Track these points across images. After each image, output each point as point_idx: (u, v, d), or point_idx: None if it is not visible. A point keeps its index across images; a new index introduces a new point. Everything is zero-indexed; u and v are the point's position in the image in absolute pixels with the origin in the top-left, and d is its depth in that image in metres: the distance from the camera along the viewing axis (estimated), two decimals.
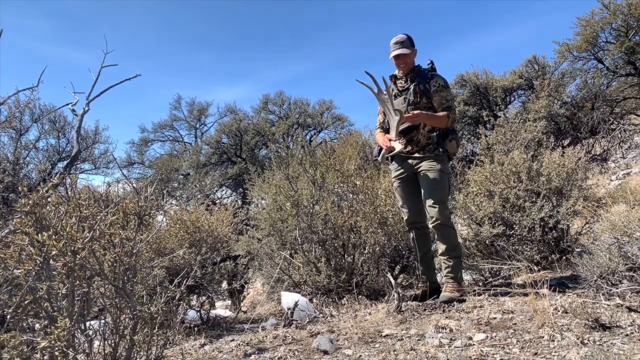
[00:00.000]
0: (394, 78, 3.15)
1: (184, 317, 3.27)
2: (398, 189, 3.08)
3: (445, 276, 2.84)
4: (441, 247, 2.85)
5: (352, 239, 3.35)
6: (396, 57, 3.00)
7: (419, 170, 2.95)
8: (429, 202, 2.85)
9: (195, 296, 3.45)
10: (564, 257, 3.28)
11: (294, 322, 2.60)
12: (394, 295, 2.70)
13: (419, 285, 3.10)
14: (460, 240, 4.17)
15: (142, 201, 1.52)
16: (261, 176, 6.48)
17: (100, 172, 9.79)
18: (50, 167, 8.18)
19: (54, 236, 1.26)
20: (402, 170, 3.05)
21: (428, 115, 2.89)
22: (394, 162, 3.13)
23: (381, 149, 2.98)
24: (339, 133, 17.12)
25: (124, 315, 1.42)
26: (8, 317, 1.26)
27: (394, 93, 3.07)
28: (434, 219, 2.82)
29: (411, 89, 3.00)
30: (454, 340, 1.97)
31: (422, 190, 2.92)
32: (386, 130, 3.12)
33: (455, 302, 2.64)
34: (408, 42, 3.02)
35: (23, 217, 1.29)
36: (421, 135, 2.98)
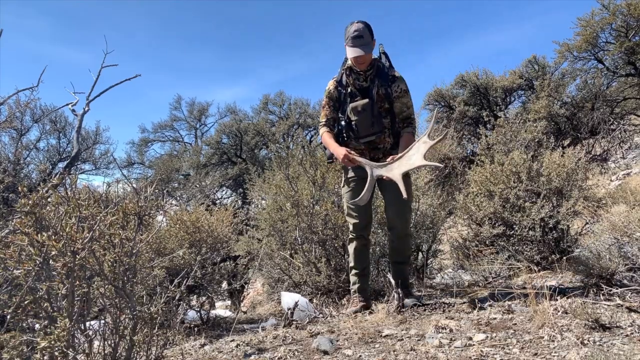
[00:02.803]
0: (349, 71, 2.72)
1: (184, 317, 3.27)
2: (349, 193, 2.77)
3: (402, 283, 2.70)
4: (401, 256, 2.79)
5: None
6: (355, 58, 2.60)
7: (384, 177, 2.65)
8: (399, 211, 2.67)
9: (195, 296, 3.45)
10: (564, 258, 3.28)
11: (294, 322, 2.60)
12: (393, 296, 2.70)
13: (355, 299, 2.82)
14: (460, 240, 4.18)
15: (142, 201, 1.52)
16: (261, 176, 6.48)
17: (101, 173, 9.81)
18: (50, 167, 8.18)
19: (53, 236, 1.27)
20: (361, 174, 2.72)
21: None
22: (349, 174, 2.85)
23: (332, 155, 2.72)
24: None
25: (124, 316, 1.42)
26: (8, 317, 1.26)
27: (350, 90, 2.72)
28: (401, 229, 2.71)
29: (374, 93, 2.68)
30: (454, 340, 1.97)
31: (388, 198, 2.72)
32: (339, 135, 2.78)
33: (420, 304, 2.62)
34: (369, 36, 2.59)
35: (23, 217, 1.29)
36: (386, 143, 2.74)
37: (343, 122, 2.75)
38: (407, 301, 2.63)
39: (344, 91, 2.75)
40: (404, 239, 2.76)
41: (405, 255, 2.86)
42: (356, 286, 2.84)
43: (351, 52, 2.58)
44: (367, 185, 2.45)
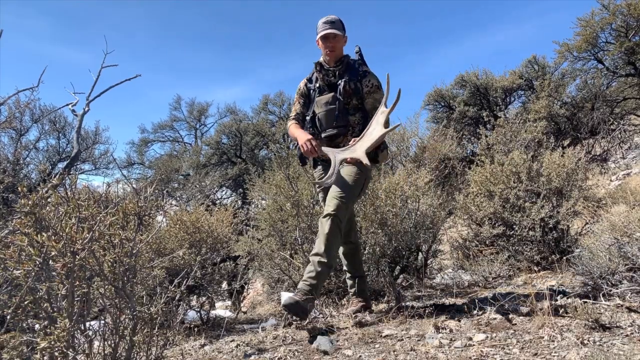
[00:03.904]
0: (319, 66, 2.68)
1: (184, 317, 3.27)
2: (322, 198, 2.73)
3: (303, 280, 2.34)
4: (320, 246, 2.36)
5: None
6: (325, 37, 2.58)
7: (347, 159, 2.50)
8: (334, 187, 2.44)
9: (195, 296, 3.45)
10: (564, 258, 3.28)
11: (293, 322, 2.59)
12: (394, 296, 2.70)
13: (354, 300, 2.74)
14: (460, 240, 4.18)
15: (141, 202, 1.52)
16: (261, 176, 6.48)
17: (100, 173, 9.81)
18: (50, 167, 8.18)
19: (53, 237, 1.26)
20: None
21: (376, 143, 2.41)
22: (317, 169, 2.78)
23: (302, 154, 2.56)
24: None
25: (124, 316, 1.42)
26: (8, 317, 1.26)
27: (318, 85, 2.68)
28: (330, 208, 2.37)
29: (340, 87, 2.60)
30: (454, 340, 1.97)
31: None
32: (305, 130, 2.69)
33: (298, 317, 2.28)
34: (340, 24, 2.64)
35: (23, 217, 1.29)
36: (349, 142, 2.54)
37: (308, 117, 2.70)
38: (286, 297, 2.27)
39: (313, 87, 2.73)
40: (326, 223, 2.35)
41: (324, 248, 2.36)
42: (354, 289, 2.76)
43: (320, 33, 2.58)
44: (331, 169, 2.33)
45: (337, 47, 2.63)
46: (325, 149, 2.45)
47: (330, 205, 2.40)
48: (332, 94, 2.62)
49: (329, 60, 2.66)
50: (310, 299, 2.26)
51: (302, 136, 2.52)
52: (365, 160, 2.26)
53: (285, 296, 2.25)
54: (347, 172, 2.48)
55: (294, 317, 2.36)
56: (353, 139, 2.44)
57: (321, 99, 2.65)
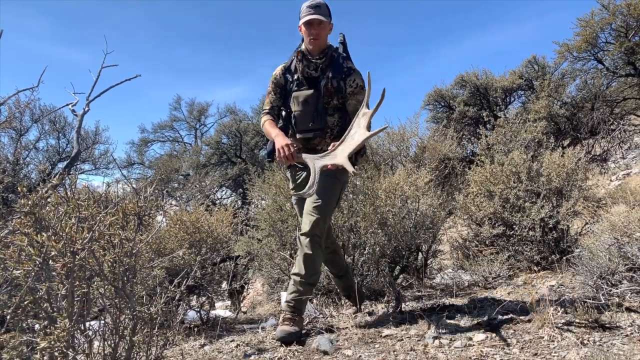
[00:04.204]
0: (301, 55, 2.40)
1: (184, 317, 3.27)
2: (298, 202, 2.52)
3: (288, 304, 2.25)
4: (302, 267, 2.27)
5: (352, 240, 3.34)
6: (309, 23, 2.31)
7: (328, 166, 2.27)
8: (310, 203, 2.29)
9: (195, 296, 3.45)
10: (564, 258, 3.28)
11: None
12: (393, 296, 2.70)
13: (347, 304, 2.72)
14: (460, 240, 4.18)
15: (141, 202, 1.52)
16: (261, 176, 6.48)
17: (100, 173, 9.81)
18: (50, 167, 8.18)
19: (53, 237, 1.26)
20: (300, 182, 2.51)
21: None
22: (291, 171, 2.59)
23: (273, 150, 2.32)
24: None
25: (124, 316, 1.42)
26: (8, 317, 1.26)
27: (297, 78, 2.41)
28: (307, 226, 2.25)
29: (322, 84, 2.37)
30: (454, 340, 1.97)
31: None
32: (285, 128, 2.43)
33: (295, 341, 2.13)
34: (326, 9, 2.38)
35: (22, 217, 1.29)
36: (326, 145, 2.34)
37: (284, 113, 2.46)
38: (280, 331, 2.17)
39: (291, 78, 2.45)
40: (313, 249, 2.26)
41: (308, 272, 2.29)
42: (341, 287, 2.72)
43: (304, 18, 2.31)
44: (311, 179, 2.06)
45: (321, 35, 2.36)
46: (304, 156, 2.19)
47: (307, 224, 2.26)
48: (312, 91, 2.37)
49: (312, 49, 2.39)
50: (299, 319, 2.25)
51: (279, 140, 2.24)
52: (350, 168, 2.04)
53: (279, 332, 2.15)
54: (323, 183, 2.24)
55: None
56: (332, 144, 2.20)
57: (299, 95, 2.38)
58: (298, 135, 2.41)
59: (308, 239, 2.26)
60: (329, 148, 2.20)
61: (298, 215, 2.53)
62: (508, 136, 6.06)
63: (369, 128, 2.14)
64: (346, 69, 2.40)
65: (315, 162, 2.15)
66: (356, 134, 2.15)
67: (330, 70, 2.39)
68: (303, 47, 2.43)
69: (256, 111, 18.78)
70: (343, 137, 2.19)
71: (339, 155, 2.13)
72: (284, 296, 2.98)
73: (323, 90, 2.38)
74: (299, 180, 2.52)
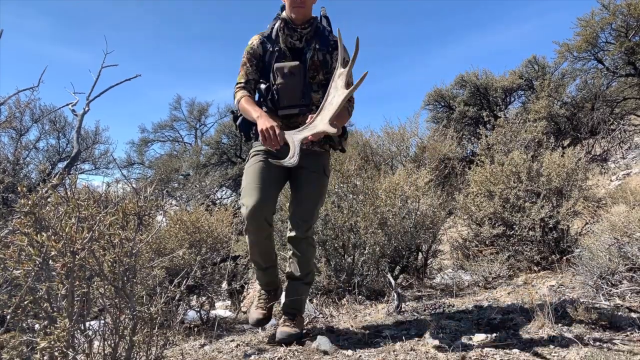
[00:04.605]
0: (282, 23, 2.14)
1: (184, 317, 3.27)
2: (258, 165, 2.14)
3: (288, 305, 2.19)
4: (297, 268, 2.19)
5: (352, 240, 3.34)
6: None
7: (301, 165, 2.01)
8: (306, 208, 2.14)
9: (195, 296, 3.45)
10: (564, 258, 3.28)
11: None
12: (393, 296, 2.70)
13: (261, 304, 2.31)
14: (460, 240, 4.18)
15: (141, 201, 1.52)
16: None
17: (100, 173, 9.82)
18: (50, 167, 8.18)
19: (53, 237, 1.26)
20: (275, 152, 2.09)
21: (341, 119, 2.03)
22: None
23: (249, 127, 2.18)
24: None
25: (124, 316, 1.42)
26: (8, 317, 1.26)
27: (279, 49, 2.15)
28: (302, 230, 2.12)
29: (308, 55, 2.13)
30: (454, 340, 1.97)
31: (299, 191, 2.19)
32: (270, 107, 2.15)
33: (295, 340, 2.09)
34: None
35: (22, 217, 1.29)
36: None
37: (263, 86, 2.16)
38: (280, 332, 2.10)
39: (271, 48, 2.16)
40: (303, 244, 2.18)
41: (305, 270, 2.21)
42: (260, 280, 2.35)
43: None
44: (291, 151, 1.83)
45: (307, 3, 2.11)
46: (286, 134, 1.93)
47: (302, 228, 2.12)
48: (297, 62, 2.11)
49: (296, 18, 2.12)
50: (299, 319, 2.20)
51: (263, 121, 1.94)
52: (332, 130, 1.82)
53: (279, 333, 2.10)
54: (317, 180, 2.16)
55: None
56: (310, 116, 1.96)
57: (282, 67, 2.10)
58: (280, 112, 2.14)
59: (307, 243, 2.18)
60: (307, 121, 1.94)
61: (256, 181, 2.11)
62: (508, 136, 6.06)
63: (348, 86, 1.90)
64: (333, 42, 2.17)
65: (294, 137, 1.91)
66: (334, 97, 1.92)
67: (316, 41, 2.15)
68: (284, 14, 2.16)
69: None
70: (320, 106, 1.95)
71: (320, 124, 1.89)
72: (284, 296, 2.98)
73: (309, 63, 2.14)
74: (261, 156, 2.19)
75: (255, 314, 2.29)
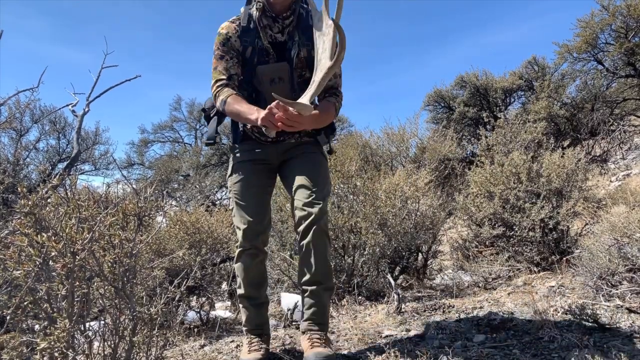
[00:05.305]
0: (260, 12, 1.79)
1: (184, 318, 3.27)
2: (242, 182, 1.87)
3: (312, 320, 1.79)
4: (311, 271, 1.75)
5: (352, 240, 3.34)
6: None
7: (291, 155, 1.85)
8: (310, 192, 1.75)
9: (195, 297, 3.45)
10: (564, 258, 3.28)
11: (293, 323, 2.60)
12: (393, 297, 2.70)
13: (255, 343, 1.88)
14: (460, 241, 4.18)
15: (141, 202, 1.52)
16: None
17: (100, 173, 9.83)
18: (50, 168, 8.18)
19: (53, 237, 1.26)
20: (260, 157, 1.91)
21: (316, 119, 1.70)
22: (245, 143, 1.95)
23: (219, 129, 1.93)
24: (339, 134, 17.15)
25: (124, 317, 1.42)
26: (8, 318, 1.26)
27: (260, 45, 1.82)
28: (314, 218, 1.70)
29: (293, 54, 1.82)
30: (454, 341, 1.97)
31: (296, 177, 1.82)
32: (252, 98, 1.85)
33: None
34: None
35: (22, 218, 1.29)
36: (298, 134, 1.91)
37: (245, 92, 1.86)
38: (315, 354, 1.67)
39: (251, 45, 1.82)
40: (318, 237, 1.73)
41: (322, 272, 1.78)
42: (250, 323, 1.94)
43: None
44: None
45: None
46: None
47: (315, 212, 1.71)
48: (283, 63, 1.81)
49: (276, 3, 1.76)
50: (327, 337, 1.82)
51: (260, 113, 1.61)
52: (305, 100, 1.53)
53: (312, 355, 1.68)
54: (316, 159, 1.87)
55: None
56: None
57: (266, 71, 1.79)
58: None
59: (322, 228, 1.77)
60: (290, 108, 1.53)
61: (241, 199, 1.87)
62: (508, 137, 6.06)
63: (332, 56, 1.56)
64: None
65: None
66: (316, 75, 1.59)
67: (298, 33, 1.82)
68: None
69: None
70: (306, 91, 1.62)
71: (307, 94, 1.58)
72: (285, 297, 2.98)
73: (295, 62, 1.82)
74: (251, 157, 1.93)
75: (251, 355, 1.82)
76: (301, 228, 1.74)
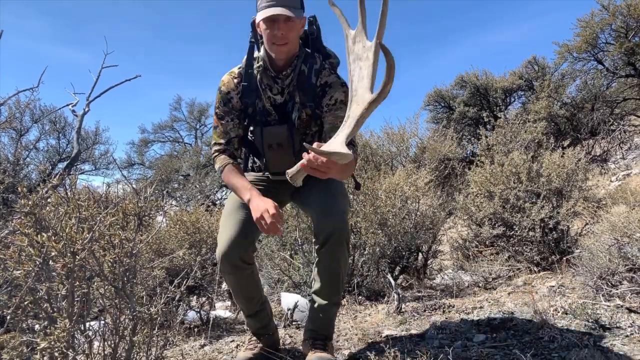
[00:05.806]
0: (262, 72, 1.75)
1: (184, 317, 3.27)
2: (241, 209, 1.75)
3: (315, 331, 1.80)
4: (324, 282, 1.75)
5: (352, 240, 3.34)
6: (272, 20, 1.58)
7: (304, 185, 1.52)
8: (330, 203, 1.70)
9: (195, 297, 3.45)
10: (564, 258, 3.28)
11: (294, 323, 2.60)
12: (393, 296, 2.70)
13: (250, 347, 1.89)
14: (460, 241, 4.18)
15: (141, 202, 1.52)
16: None
17: (100, 173, 9.84)
18: (50, 167, 8.18)
19: (53, 237, 1.27)
20: (270, 187, 1.87)
21: (345, 168, 1.43)
22: (253, 173, 1.95)
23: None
24: None
25: (124, 316, 1.42)
26: (8, 317, 1.26)
27: (262, 107, 1.78)
28: (335, 227, 1.65)
29: (294, 117, 1.76)
30: (454, 341, 1.97)
31: (313, 194, 1.75)
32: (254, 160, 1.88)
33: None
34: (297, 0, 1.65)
35: (23, 217, 1.29)
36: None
37: (247, 150, 1.90)
38: (316, 358, 1.69)
39: (252, 106, 1.78)
40: (338, 248, 1.69)
41: (338, 284, 1.78)
42: (249, 327, 1.96)
43: (265, 12, 1.56)
44: (295, 167, 1.37)
45: (291, 38, 1.63)
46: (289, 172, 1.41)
47: (340, 223, 1.66)
48: (284, 127, 1.76)
49: (278, 58, 1.69)
50: (331, 346, 1.82)
51: (256, 204, 1.59)
52: (344, 150, 1.22)
53: (315, 358, 1.70)
54: (331, 180, 1.70)
55: None
56: (316, 143, 1.28)
57: (265, 136, 1.76)
58: (272, 177, 1.89)
59: (346, 239, 1.75)
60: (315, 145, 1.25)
61: (232, 220, 1.77)
62: (508, 137, 6.06)
63: (372, 89, 1.28)
64: (319, 88, 1.74)
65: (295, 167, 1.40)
66: (350, 116, 1.30)
67: (298, 93, 1.75)
68: (261, 52, 1.74)
69: None
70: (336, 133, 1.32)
71: (333, 142, 1.27)
72: (285, 297, 2.98)
73: (297, 124, 1.78)
74: (258, 182, 1.89)
75: (241, 354, 1.84)
76: (321, 236, 1.68)
